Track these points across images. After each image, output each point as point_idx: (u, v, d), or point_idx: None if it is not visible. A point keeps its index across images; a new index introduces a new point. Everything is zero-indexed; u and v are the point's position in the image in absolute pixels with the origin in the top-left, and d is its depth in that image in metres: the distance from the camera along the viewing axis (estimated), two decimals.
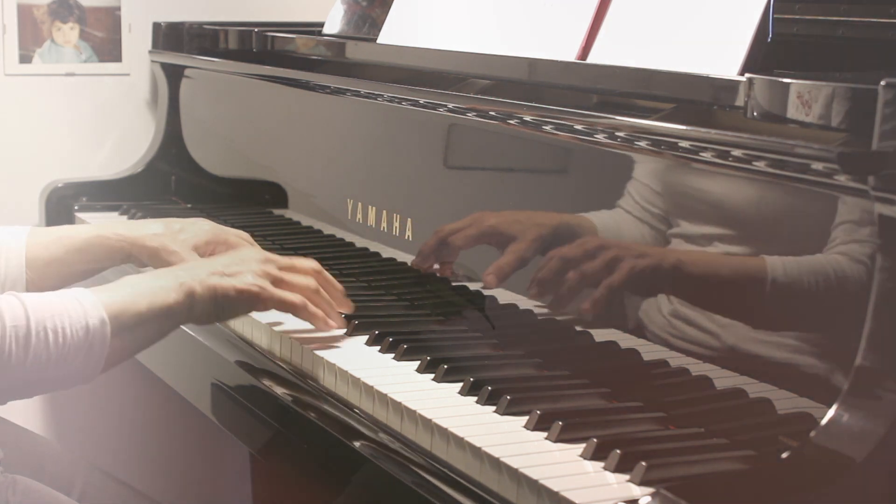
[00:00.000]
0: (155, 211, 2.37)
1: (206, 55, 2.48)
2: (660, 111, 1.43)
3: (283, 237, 2.11)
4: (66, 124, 2.62)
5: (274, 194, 2.23)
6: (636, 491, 1.15)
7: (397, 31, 1.94)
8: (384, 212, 1.85)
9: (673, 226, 1.38)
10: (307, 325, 1.61)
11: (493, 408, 1.37)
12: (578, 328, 1.48)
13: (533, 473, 1.19)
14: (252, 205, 2.30)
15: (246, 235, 1.78)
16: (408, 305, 1.77)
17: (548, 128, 1.52)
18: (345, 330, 1.63)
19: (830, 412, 1.12)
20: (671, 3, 1.49)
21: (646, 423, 1.32)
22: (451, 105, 1.69)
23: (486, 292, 1.63)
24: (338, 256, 1.95)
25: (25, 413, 2.51)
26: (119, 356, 1.44)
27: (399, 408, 1.39)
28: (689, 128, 1.31)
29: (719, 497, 1.08)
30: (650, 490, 1.10)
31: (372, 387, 1.44)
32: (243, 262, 1.56)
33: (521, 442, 1.28)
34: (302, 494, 2.25)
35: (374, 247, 1.89)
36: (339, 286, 1.64)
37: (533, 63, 1.62)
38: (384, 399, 1.42)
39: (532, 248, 1.56)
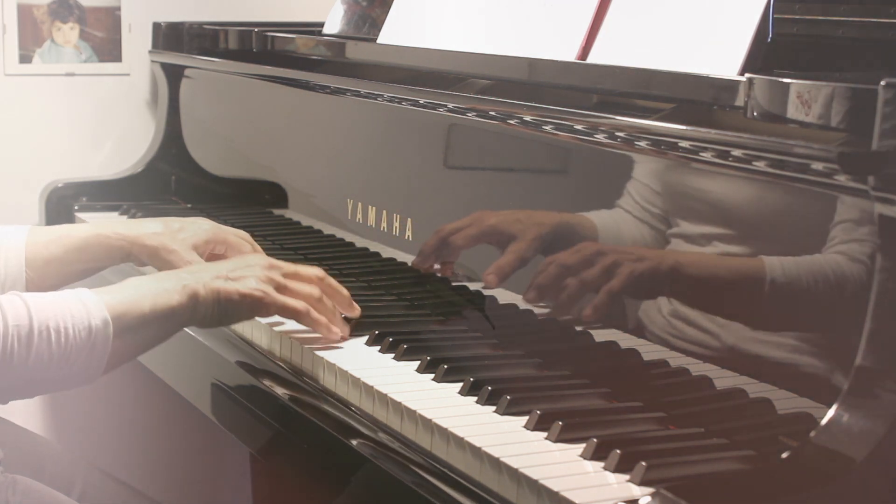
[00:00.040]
0: (155, 211, 2.37)
1: (206, 55, 2.48)
2: (660, 111, 1.43)
3: (283, 237, 2.11)
4: (66, 124, 2.62)
5: (274, 194, 2.23)
6: (636, 491, 1.15)
7: (397, 31, 1.94)
8: (384, 212, 1.85)
9: (673, 226, 1.38)
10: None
11: (493, 408, 1.37)
12: (578, 328, 1.48)
13: (533, 473, 1.19)
14: (252, 205, 2.30)
15: (246, 235, 1.78)
16: (408, 305, 1.77)
17: (548, 128, 1.52)
18: (348, 335, 1.63)
19: (830, 412, 1.12)
20: (671, 3, 1.49)
21: (646, 423, 1.32)
22: (451, 105, 1.69)
23: (486, 292, 1.63)
24: (338, 256, 1.95)
25: (25, 413, 2.51)
26: (121, 357, 1.44)
27: (399, 408, 1.39)
28: (689, 128, 1.31)
29: (719, 497, 1.08)
30: (650, 490, 1.10)
31: (372, 387, 1.44)
32: (248, 267, 1.56)
33: (521, 442, 1.28)
34: (302, 494, 2.25)
35: (374, 247, 1.89)
36: (345, 292, 1.64)
37: (533, 63, 1.62)
38: (384, 399, 1.42)
39: (533, 247, 1.56)
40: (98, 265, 1.72)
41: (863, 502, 1.09)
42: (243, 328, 1.73)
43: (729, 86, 1.32)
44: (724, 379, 1.30)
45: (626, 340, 1.42)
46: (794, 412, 1.22)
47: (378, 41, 1.97)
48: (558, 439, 1.27)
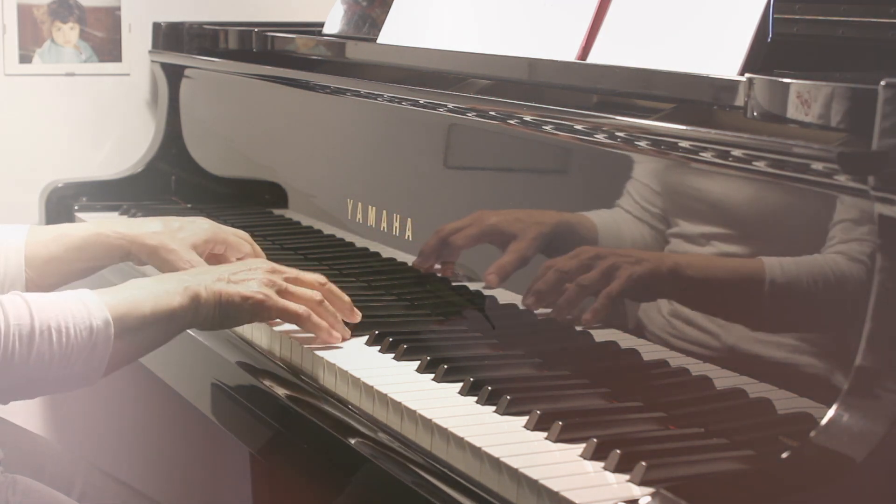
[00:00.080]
0: (155, 211, 2.36)
1: (206, 55, 2.48)
2: (660, 111, 1.43)
3: (283, 237, 2.11)
4: (66, 124, 2.62)
5: (274, 194, 2.23)
6: (636, 491, 1.15)
7: (397, 31, 1.94)
8: (384, 212, 1.85)
9: (673, 226, 1.38)
10: None
11: (493, 408, 1.37)
12: (578, 328, 1.48)
13: (533, 473, 1.19)
14: (252, 205, 2.30)
15: (245, 235, 1.79)
16: (408, 305, 1.77)
17: (548, 128, 1.52)
18: (349, 340, 1.63)
19: (830, 412, 1.12)
20: (671, 3, 1.49)
21: (646, 423, 1.32)
22: (451, 105, 1.69)
23: (486, 292, 1.63)
24: (338, 256, 1.95)
25: (25, 413, 2.51)
26: (122, 359, 1.44)
27: (399, 408, 1.39)
28: (689, 128, 1.31)
29: (719, 497, 1.08)
30: (650, 490, 1.10)
31: (372, 387, 1.44)
32: (250, 270, 1.57)
33: (521, 442, 1.28)
34: (302, 494, 2.25)
35: (374, 247, 1.89)
36: (346, 298, 1.64)
37: (533, 63, 1.62)
38: (384, 399, 1.42)
39: (533, 246, 1.56)
40: (98, 264, 1.72)
41: (863, 502, 1.09)
42: (243, 328, 1.73)
43: (729, 86, 1.32)
44: (724, 379, 1.30)
45: (626, 340, 1.42)
46: (794, 412, 1.22)
47: (378, 41, 1.97)
48: (558, 439, 1.27)
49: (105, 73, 2.63)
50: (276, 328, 1.66)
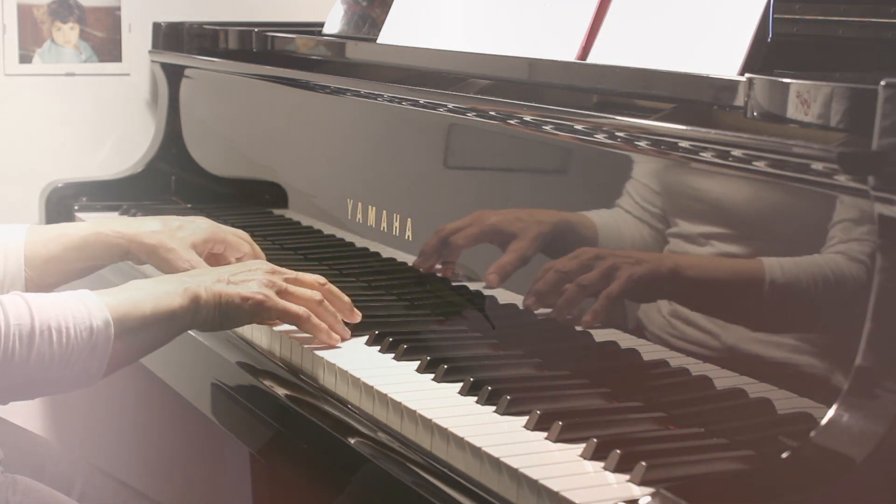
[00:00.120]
0: (155, 211, 2.36)
1: (206, 55, 2.48)
2: (660, 111, 1.43)
3: (283, 237, 2.11)
4: (66, 124, 2.62)
5: (274, 194, 2.23)
6: (636, 491, 1.15)
7: (397, 31, 1.94)
8: (384, 212, 1.85)
9: (672, 226, 1.38)
10: None
11: (493, 408, 1.37)
12: (578, 328, 1.48)
13: (533, 473, 1.18)
14: (252, 205, 2.30)
15: (245, 235, 1.79)
16: (408, 305, 1.77)
17: (548, 128, 1.52)
18: (349, 340, 1.63)
19: (830, 412, 1.12)
20: (671, 3, 1.49)
21: (646, 423, 1.32)
22: (451, 105, 1.69)
23: (486, 292, 1.63)
24: (338, 256, 1.95)
25: (25, 413, 2.51)
26: (122, 359, 1.44)
27: (399, 408, 1.39)
28: (689, 128, 1.31)
29: (719, 497, 1.08)
30: (650, 490, 1.10)
31: (372, 387, 1.44)
32: (250, 271, 1.57)
33: (521, 442, 1.28)
34: (302, 494, 2.25)
35: (374, 247, 1.89)
36: (347, 299, 1.64)
37: (533, 63, 1.62)
38: (384, 399, 1.42)
39: (534, 245, 1.56)
40: (97, 263, 1.72)
41: (863, 502, 1.09)
42: (243, 328, 1.73)
43: (729, 86, 1.32)
44: (724, 379, 1.30)
45: (626, 340, 1.42)
46: (794, 412, 1.22)
47: (378, 41, 1.97)
48: (558, 439, 1.27)
49: (105, 73, 2.63)
50: (277, 328, 1.66)
